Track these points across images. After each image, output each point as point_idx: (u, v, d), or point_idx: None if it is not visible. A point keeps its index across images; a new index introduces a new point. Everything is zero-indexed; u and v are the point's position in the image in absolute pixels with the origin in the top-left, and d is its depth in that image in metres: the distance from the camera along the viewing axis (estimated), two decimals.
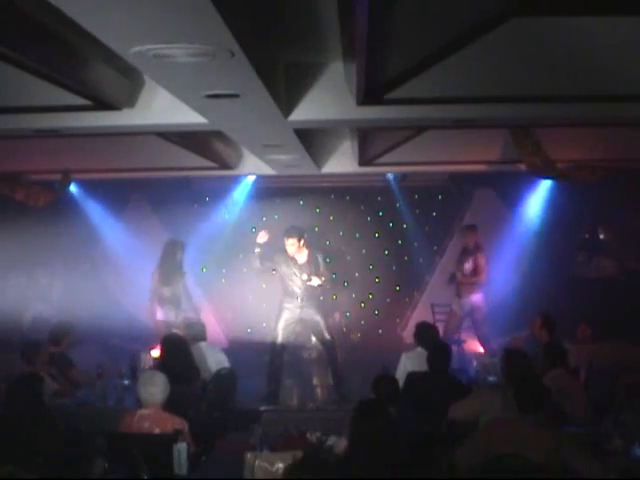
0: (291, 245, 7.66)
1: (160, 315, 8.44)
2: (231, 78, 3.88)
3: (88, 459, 4.29)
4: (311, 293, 7.66)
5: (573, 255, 10.28)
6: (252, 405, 6.91)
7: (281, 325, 7.64)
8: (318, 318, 7.68)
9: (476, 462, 3.80)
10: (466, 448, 3.97)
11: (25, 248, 9.22)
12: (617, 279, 9.81)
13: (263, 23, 3.81)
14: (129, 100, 5.28)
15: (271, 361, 7.67)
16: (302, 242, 7.72)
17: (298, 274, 7.63)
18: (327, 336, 7.69)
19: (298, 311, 7.64)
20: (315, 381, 8.51)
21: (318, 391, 8.21)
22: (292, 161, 7.65)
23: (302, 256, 7.71)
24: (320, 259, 7.75)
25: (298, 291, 7.62)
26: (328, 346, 7.75)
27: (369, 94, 4.71)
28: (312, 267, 7.64)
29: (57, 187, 9.37)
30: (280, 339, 7.62)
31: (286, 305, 7.68)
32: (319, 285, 7.61)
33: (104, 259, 10.60)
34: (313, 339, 8.47)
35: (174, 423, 4.59)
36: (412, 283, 10.85)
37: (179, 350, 5.96)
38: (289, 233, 7.74)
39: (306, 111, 5.22)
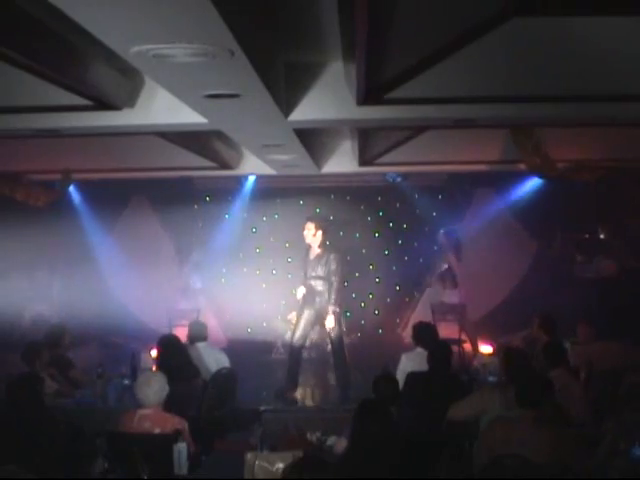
0: (307, 229, 7.55)
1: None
2: (231, 78, 3.88)
3: (88, 459, 4.29)
4: (326, 291, 7.54)
5: (573, 255, 10.28)
6: (252, 405, 6.90)
7: (303, 323, 7.55)
8: (331, 317, 7.54)
9: (480, 462, 3.81)
10: (475, 449, 3.99)
11: (25, 248, 9.22)
12: (617, 279, 9.80)
13: (263, 23, 3.81)
14: (129, 100, 5.28)
15: (290, 358, 7.60)
16: (318, 234, 7.55)
17: (310, 269, 7.55)
18: (337, 339, 7.58)
19: (317, 307, 7.50)
20: (315, 381, 8.50)
21: (319, 391, 8.19)
22: (292, 161, 7.64)
23: (314, 251, 7.59)
24: (333, 258, 7.53)
25: (315, 288, 7.48)
26: (337, 348, 7.65)
27: (369, 94, 4.71)
28: (321, 265, 7.54)
29: (57, 187, 9.39)
30: (299, 336, 7.55)
31: (307, 303, 7.55)
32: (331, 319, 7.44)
33: (104, 259, 10.60)
34: (313, 338, 8.45)
35: (174, 423, 4.58)
36: (412, 283, 10.85)
37: (175, 350, 5.97)
38: (309, 218, 7.71)
39: (306, 111, 5.22)
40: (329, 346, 7.95)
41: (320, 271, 7.49)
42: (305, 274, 7.60)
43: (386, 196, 10.72)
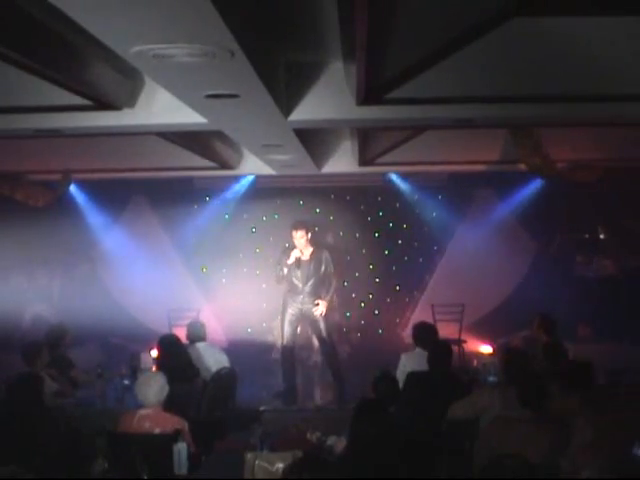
0: (300, 238, 7.55)
1: None
2: (231, 78, 3.88)
3: (88, 459, 4.29)
4: (314, 291, 7.59)
5: (573, 255, 10.28)
6: (252, 405, 6.90)
7: (287, 323, 7.61)
8: (318, 317, 7.61)
9: (480, 462, 3.80)
10: (475, 449, 3.99)
11: (25, 248, 9.22)
12: (617, 279, 9.80)
13: (263, 23, 3.81)
14: (129, 100, 5.27)
15: (283, 360, 7.66)
16: (309, 236, 7.64)
17: (301, 271, 7.57)
18: (325, 336, 7.64)
19: (300, 307, 7.58)
20: (315, 381, 8.49)
21: (318, 391, 8.19)
22: (292, 161, 7.64)
23: (306, 253, 7.63)
24: (325, 257, 7.65)
25: (300, 287, 7.56)
26: (326, 346, 7.71)
27: (369, 94, 4.71)
28: (316, 265, 7.58)
29: (57, 187, 9.39)
30: (287, 337, 7.60)
31: (289, 302, 7.63)
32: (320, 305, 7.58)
33: (104, 259, 10.60)
34: (314, 338, 8.45)
35: (174, 423, 4.58)
36: (412, 283, 10.84)
37: (175, 350, 5.97)
38: (297, 225, 7.67)
39: (306, 111, 5.22)
40: (317, 345, 7.99)
41: (313, 270, 7.54)
42: (285, 274, 7.62)
43: (386, 196, 10.71)
